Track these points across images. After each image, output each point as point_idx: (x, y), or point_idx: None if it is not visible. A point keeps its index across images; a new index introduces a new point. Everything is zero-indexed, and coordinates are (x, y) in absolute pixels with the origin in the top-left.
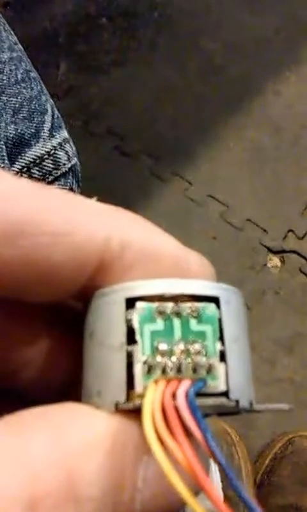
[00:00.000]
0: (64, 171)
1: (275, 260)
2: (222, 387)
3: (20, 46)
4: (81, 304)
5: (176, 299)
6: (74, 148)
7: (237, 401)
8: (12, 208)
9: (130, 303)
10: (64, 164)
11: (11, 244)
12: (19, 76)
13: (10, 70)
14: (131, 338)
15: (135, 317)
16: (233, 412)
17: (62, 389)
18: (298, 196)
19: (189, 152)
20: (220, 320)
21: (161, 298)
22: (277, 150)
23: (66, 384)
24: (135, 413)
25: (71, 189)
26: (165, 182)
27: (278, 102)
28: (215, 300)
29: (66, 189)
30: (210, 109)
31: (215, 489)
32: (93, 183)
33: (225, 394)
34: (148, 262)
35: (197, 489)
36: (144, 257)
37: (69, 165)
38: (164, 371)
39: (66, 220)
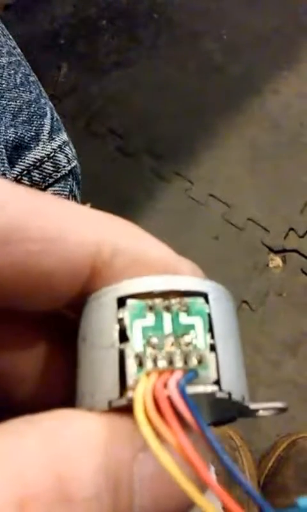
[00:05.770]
0: (64, 173)
1: (277, 260)
2: (213, 376)
3: (19, 50)
4: (77, 315)
5: (166, 295)
6: (74, 151)
7: (229, 393)
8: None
9: (121, 302)
10: (64, 167)
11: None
12: (18, 80)
13: (9, 75)
14: (123, 336)
15: (126, 315)
16: (230, 419)
17: (61, 403)
18: (298, 193)
19: (190, 151)
20: (209, 315)
21: (151, 295)
22: (277, 148)
23: (65, 398)
24: (129, 411)
25: (71, 192)
26: (167, 181)
27: (277, 100)
28: (204, 296)
29: (66, 191)
30: (210, 108)
31: (216, 480)
32: (96, 183)
33: (217, 384)
34: (138, 268)
35: (200, 485)
36: (135, 263)
37: (69, 167)
38: (155, 364)
39: (56, 227)
